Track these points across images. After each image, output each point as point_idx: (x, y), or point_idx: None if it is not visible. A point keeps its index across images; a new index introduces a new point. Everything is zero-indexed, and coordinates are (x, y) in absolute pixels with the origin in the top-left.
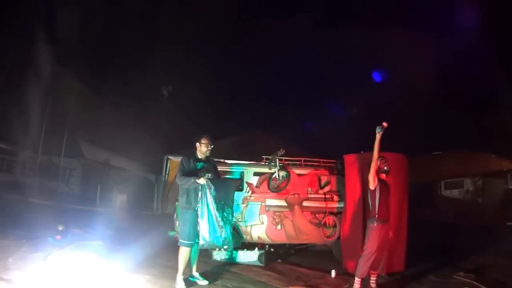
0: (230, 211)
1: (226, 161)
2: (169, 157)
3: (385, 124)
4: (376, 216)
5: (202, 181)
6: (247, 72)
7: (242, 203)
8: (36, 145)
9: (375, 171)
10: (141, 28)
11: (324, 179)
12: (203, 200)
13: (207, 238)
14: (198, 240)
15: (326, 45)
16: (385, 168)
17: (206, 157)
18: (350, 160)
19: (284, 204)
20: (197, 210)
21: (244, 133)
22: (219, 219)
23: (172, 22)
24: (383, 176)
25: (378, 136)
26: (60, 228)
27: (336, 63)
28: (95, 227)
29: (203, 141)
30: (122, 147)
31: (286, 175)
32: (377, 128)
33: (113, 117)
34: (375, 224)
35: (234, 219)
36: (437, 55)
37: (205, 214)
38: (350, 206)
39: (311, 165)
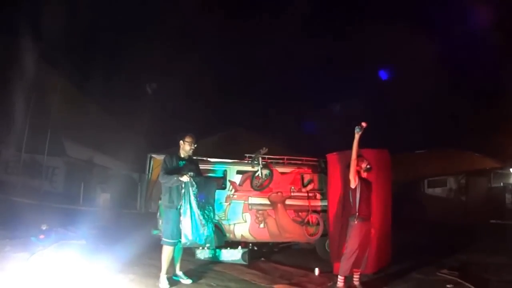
0: (212, 209)
1: (209, 159)
2: (153, 155)
3: (364, 124)
4: (357, 214)
5: (185, 178)
6: (230, 70)
7: (225, 202)
8: (19, 143)
9: (355, 170)
10: (124, 26)
11: (307, 178)
12: (185, 197)
13: (190, 237)
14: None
15: (312, 43)
16: (367, 166)
17: (189, 156)
18: (333, 159)
19: (267, 202)
20: (179, 208)
21: (227, 131)
22: (201, 217)
23: (155, 19)
24: (365, 174)
25: (357, 136)
26: (44, 227)
27: (321, 61)
28: (79, 226)
29: (187, 139)
30: (105, 146)
31: (269, 173)
32: (356, 128)
33: (96, 116)
34: (355, 222)
35: (216, 218)
36: (422, 54)
37: (188, 212)
38: (332, 204)
39: (294, 164)
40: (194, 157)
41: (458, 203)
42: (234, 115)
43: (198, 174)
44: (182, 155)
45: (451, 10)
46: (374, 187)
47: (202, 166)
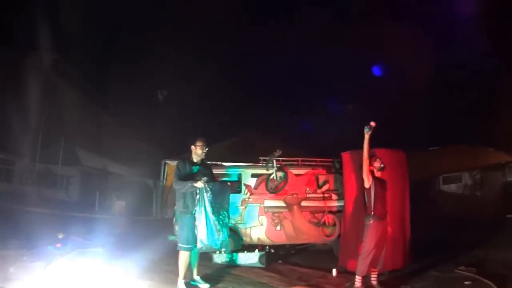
0: (226, 214)
1: (223, 163)
2: (167, 161)
3: (373, 123)
4: (372, 213)
5: (199, 184)
6: (242, 74)
7: (241, 205)
8: (33, 153)
9: (368, 170)
10: (136, 34)
11: (322, 178)
12: (200, 203)
13: (205, 242)
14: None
15: (322, 45)
16: (381, 165)
17: (202, 160)
18: (348, 158)
19: (283, 204)
20: (194, 213)
21: (240, 134)
22: (216, 222)
23: (167, 28)
24: (379, 174)
25: (366, 136)
26: (60, 236)
27: (332, 61)
28: (95, 234)
29: (198, 143)
30: (119, 153)
31: (283, 175)
32: (365, 128)
33: (109, 124)
34: (371, 221)
35: (232, 221)
36: (434, 50)
37: (203, 218)
38: (349, 204)
39: (309, 165)
40: (208, 162)
41: (474, 199)
42: (247, 118)
43: (212, 179)
44: (195, 160)
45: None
46: (391, 187)
47: (216, 171)
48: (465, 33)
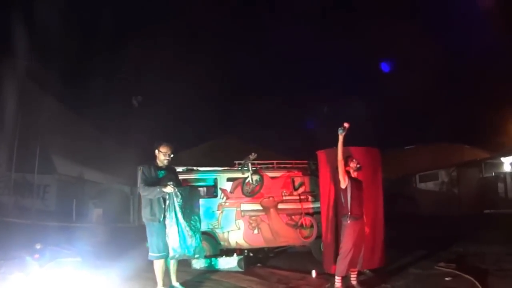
0: (198, 219)
1: (199, 168)
2: (143, 167)
3: (346, 124)
4: (349, 213)
5: (169, 189)
6: (217, 78)
7: (218, 210)
8: (9, 163)
9: (344, 170)
10: (111, 40)
11: (298, 180)
12: (170, 209)
13: (178, 249)
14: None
15: (297, 47)
16: (357, 166)
17: (167, 165)
18: (323, 156)
19: (260, 208)
20: (162, 221)
21: (216, 139)
22: (188, 228)
23: (143, 32)
24: (355, 174)
25: (340, 137)
26: (38, 246)
27: (305, 59)
28: (73, 243)
29: (161, 149)
30: (95, 161)
31: (259, 178)
32: (338, 130)
33: (85, 131)
34: (348, 222)
35: (209, 226)
36: (413, 49)
37: (174, 224)
38: (325, 203)
39: (284, 167)
40: (172, 166)
41: (451, 196)
42: (223, 123)
43: (179, 183)
44: (160, 165)
45: (449, 5)
46: (365, 185)
47: (191, 176)
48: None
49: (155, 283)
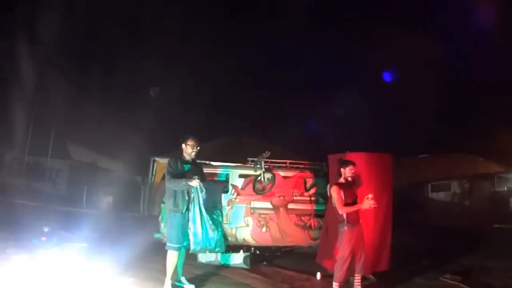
0: (220, 213)
1: (211, 163)
2: (156, 158)
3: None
4: (345, 220)
5: (195, 183)
6: (234, 73)
7: (227, 205)
8: (23, 146)
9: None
10: (128, 30)
11: (309, 182)
12: (194, 202)
13: (200, 242)
14: (187, 243)
15: (314, 46)
16: (349, 178)
17: (192, 159)
18: (334, 160)
19: (270, 206)
20: (185, 213)
21: (230, 135)
22: (210, 222)
23: (157, 22)
24: (343, 181)
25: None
26: (46, 229)
27: (324, 64)
28: (81, 228)
29: (189, 142)
30: (109, 149)
31: (271, 177)
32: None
33: (100, 119)
34: (345, 228)
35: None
36: (428, 57)
37: (197, 217)
38: (330, 206)
39: (297, 168)
40: (198, 161)
41: (462, 207)
42: (237, 118)
43: (203, 178)
44: (186, 159)
45: (453, 11)
46: (376, 190)
47: (205, 170)
48: (463, 41)
49: (159, 273)
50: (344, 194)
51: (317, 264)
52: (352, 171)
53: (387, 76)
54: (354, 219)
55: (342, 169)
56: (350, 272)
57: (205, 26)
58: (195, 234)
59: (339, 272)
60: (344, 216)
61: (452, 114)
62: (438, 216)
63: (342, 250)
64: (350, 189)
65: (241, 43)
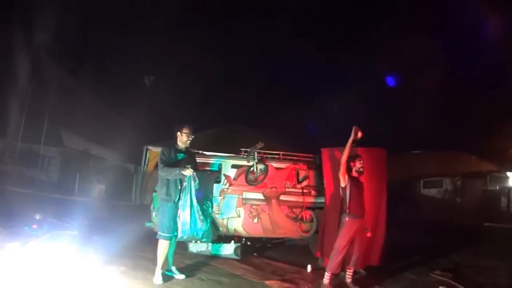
0: (210, 204)
1: (204, 152)
2: (149, 147)
3: (360, 134)
4: (348, 210)
5: (188, 172)
6: (228, 63)
7: (220, 196)
8: (16, 133)
9: (344, 170)
10: (121, 17)
11: (302, 174)
12: (186, 191)
13: (188, 231)
14: (177, 232)
15: (310, 37)
16: (360, 168)
17: (186, 148)
18: (327, 154)
19: (262, 197)
20: (177, 202)
21: (224, 125)
22: (200, 212)
23: (151, 9)
24: (356, 174)
25: (350, 140)
26: (37, 217)
27: (320, 55)
28: (73, 216)
29: (184, 130)
30: (102, 137)
31: (264, 168)
32: (353, 129)
33: (93, 106)
34: (346, 219)
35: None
36: (424, 55)
37: (188, 206)
38: (327, 200)
39: (290, 159)
40: (192, 150)
41: (454, 204)
42: (231, 109)
43: (196, 168)
44: (179, 147)
45: (450, 10)
46: (370, 185)
47: (198, 160)
48: (461, 39)
49: (149, 261)
50: (352, 185)
51: (308, 256)
52: (361, 162)
53: (385, 77)
54: (357, 212)
55: (351, 163)
56: (347, 263)
57: (200, 15)
58: (183, 223)
59: (333, 262)
60: (347, 206)
61: (446, 112)
62: (430, 212)
63: (340, 240)
64: (358, 181)
65: (236, 33)
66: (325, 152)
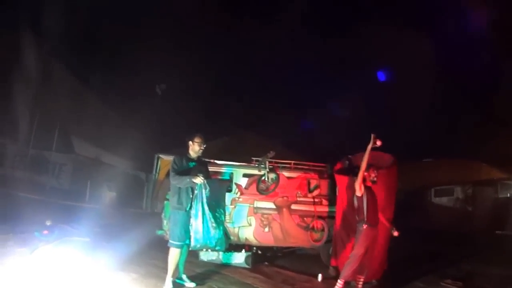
0: (222, 212)
1: (216, 161)
2: (160, 155)
3: (379, 143)
4: (365, 219)
5: (199, 180)
6: (239, 72)
7: (231, 205)
8: (27, 139)
9: (361, 179)
10: (132, 26)
11: (313, 183)
12: (197, 199)
13: (201, 239)
14: (189, 241)
15: (320, 45)
16: (375, 178)
17: (198, 157)
18: (342, 162)
19: (273, 206)
20: (188, 210)
21: (235, 134)
22: (212, 220)
23: (163, 18)
24: (370, 184)
25: (369, 148)
26: (48, 223)
27: (329, 64)
28: (83, 223)
29: (196, 139)
30: (113, 144)
31: (275, 177)
32: (372, 138)
33: (105, 114)
34: (364, 227)
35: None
36: (432, 60)
37: (199, 215)
38: (342, 208)
39: (301, 168)
40: (203, 159)
41: (464, 213)
42: (243, 118)
43: (208, 176)
44: (191, 156)
45: (455, 16)
46: (378, 193)
47: (209, 168)
48: (467, 46)
49: (160, 269)
50: (367, 194)
51: (319, 265)
52: (375, 171)
53: (381, 76)
54: (373, 220)
55: (366, 173)
56: (360, 272)
57: (210, 25)
58: (196, 231)
59: (348, 270)
60: (365, 215)
61: (456, 119)
62: (441, 220)
63: (357, 248)
64: (372, 191)
65: (245, 42)
66: (341, 161)
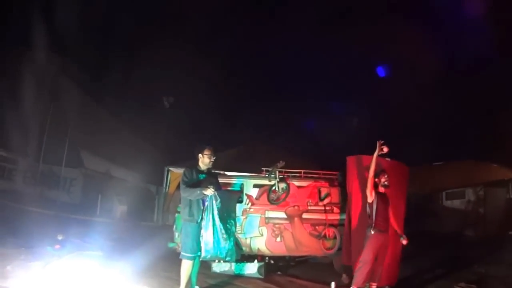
0: (233, 223)
1: (226, 172)
2: (170, 168)
3: (385, 149)
4: (373, 225)
5: (209, 192)
6: (248, 83)
7: (242, 215)
8: (37, 154)
9: (372, 186)
10: (142, 40)
11: (324, 191)
12: (208, 211)
13: (211, 250)
14: (200, 252)
15: (327, 50)
16: (385, 182)
17: (208, 169)
18: (353, 162)
19: (284, 216)
20: (200, 222)
21: (244, 145)
22: (223, 231)
23: (171, 31)
24: (382, 189)
25: (375, 155)
26: (60, 237)
27: (337, 70)
28: (95, 237)
29: (205, 152)
30: (123, 158)
31: (285, 187)
32: (378, 145)
33: (114, 128)
34: (372, 233)
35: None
36: (440, 61)
37: (210, 226)
38: (352, 210)
39: (311, 177)
40: (214, 171)
41: (477, 215)
42: (252, 129)
43: (219, 187)
44: (201, 168)
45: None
46: (390, 200)
47: (220, 180)
48: (473, 44)
49: (173, 282)
50: (378, 200)
51: (332, 273)
52: (386, 176)
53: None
54: (382, 226)
55: (376, 179)
56: (371, 278)
57: (222, 37)
58: (206, 242)
59: (358, 276)
60: (373, 220)
61: (464, 120)
62: (453, 224)
63: (365, 254)
64: (385, 196)
65: (254, 54)
66: (351, 160)
